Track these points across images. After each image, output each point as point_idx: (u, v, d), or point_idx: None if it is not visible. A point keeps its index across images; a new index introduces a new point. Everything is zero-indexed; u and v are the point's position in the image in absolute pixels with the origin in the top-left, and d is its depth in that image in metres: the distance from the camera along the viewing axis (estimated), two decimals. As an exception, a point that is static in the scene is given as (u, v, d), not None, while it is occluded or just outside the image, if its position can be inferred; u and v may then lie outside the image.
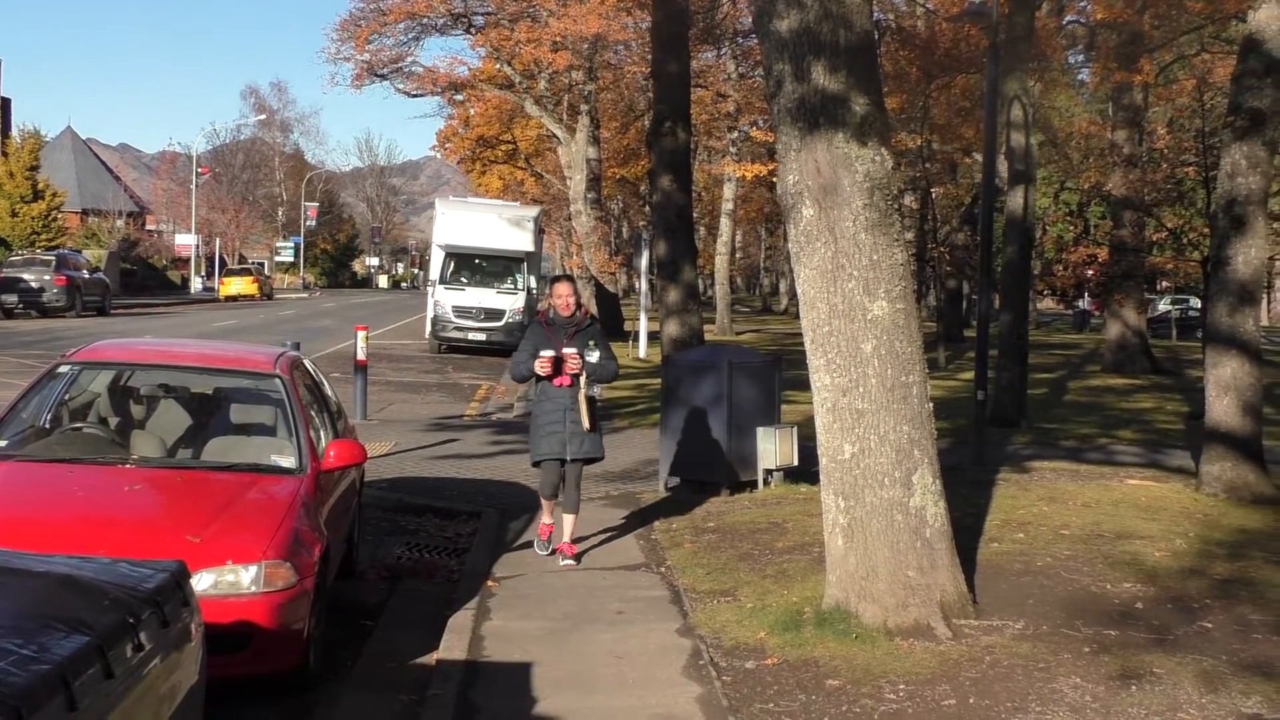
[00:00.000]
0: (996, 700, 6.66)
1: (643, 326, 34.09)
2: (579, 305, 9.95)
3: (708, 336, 24.47)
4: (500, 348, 32.52)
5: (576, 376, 9.66)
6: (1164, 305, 53.88)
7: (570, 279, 10.41)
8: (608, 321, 40.44)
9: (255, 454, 8.21)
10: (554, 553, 10.10)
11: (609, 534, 11.13)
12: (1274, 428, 18.40)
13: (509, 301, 33.16)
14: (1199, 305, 33.07)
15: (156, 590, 4.32)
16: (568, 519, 10.01)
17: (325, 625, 7.59)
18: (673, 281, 20.27)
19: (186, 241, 75.50)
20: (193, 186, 75.00)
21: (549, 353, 9.56)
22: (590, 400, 9.74)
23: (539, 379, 9.73)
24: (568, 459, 9.77)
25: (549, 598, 8.85)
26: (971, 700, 6.66)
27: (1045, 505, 12.01)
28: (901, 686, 6.86)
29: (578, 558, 10.00)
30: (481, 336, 32.60)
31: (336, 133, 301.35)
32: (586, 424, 9.67)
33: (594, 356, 9.77)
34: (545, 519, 10.23)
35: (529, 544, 10.68)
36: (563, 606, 8.64)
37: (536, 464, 10.02)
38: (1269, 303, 68.07)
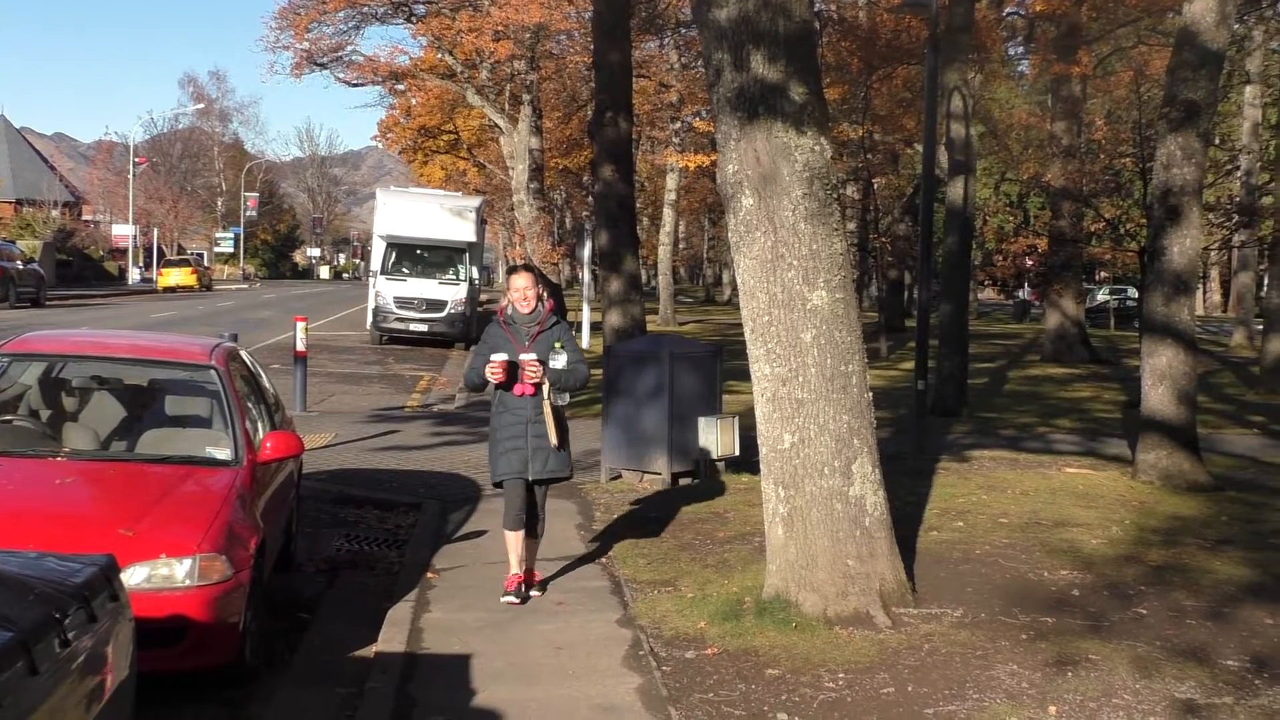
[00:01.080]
0: (935, 688, 6.70)
1: (585, 317, 34.07)
2: (541, 299, 8.58)
3: (650, 327, 24.47)
4: (442, 339, 32.41)
5: (540, 385, 8.34)
6: (1102, 295, 54.41)
7: (530, 269, 8.87)
8: (551, 312, 40.33)
9: (190, 446, 8.11)
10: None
11: (550, 525, 11.07)
12: (1208, 416, 18.65)
13: (451, 292, 33.02)
14: (1136, 295, 33.47)
15: (84, 585, 4.25)
16: (533, 545, 8.77)
17: (262, 618, 7.52)
18: (615, 272, 20.25)
19: (124, 232, 74.49)
20: (130, 176, 74.01)
21: (501, 357, 8.23)
22: (557, 411, 8.39)
23: (497, 387, 8.42)
24: (530, 478, 8.46)
25: (489, 589, 8.79)
26: (910, 688, 6.69)
27: (984, 494, 12.11)
28: (841, 675, 6.88)
29: (542, 585, 8.85)
30: (423, 327, 32.45)
31: (276, 122, 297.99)
32: (553, 439, 8.34)
33: (560, 361, 8.34)
34: (513, 565, 8.57)
35: (470, 535, 10.62)
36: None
37: (498, 484, 8.65)
38: (1204, 293, 68.97)
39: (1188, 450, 13.02)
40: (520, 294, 8.50)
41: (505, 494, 8.55)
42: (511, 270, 8.93)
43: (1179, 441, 12.99)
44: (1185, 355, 13.02)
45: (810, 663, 7.05)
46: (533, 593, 8.61)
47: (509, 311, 8.55)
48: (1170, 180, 13.05)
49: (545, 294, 8.66)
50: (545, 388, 8.33)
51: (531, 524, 8.62)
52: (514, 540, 8.52)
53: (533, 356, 8.25)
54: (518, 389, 8.34)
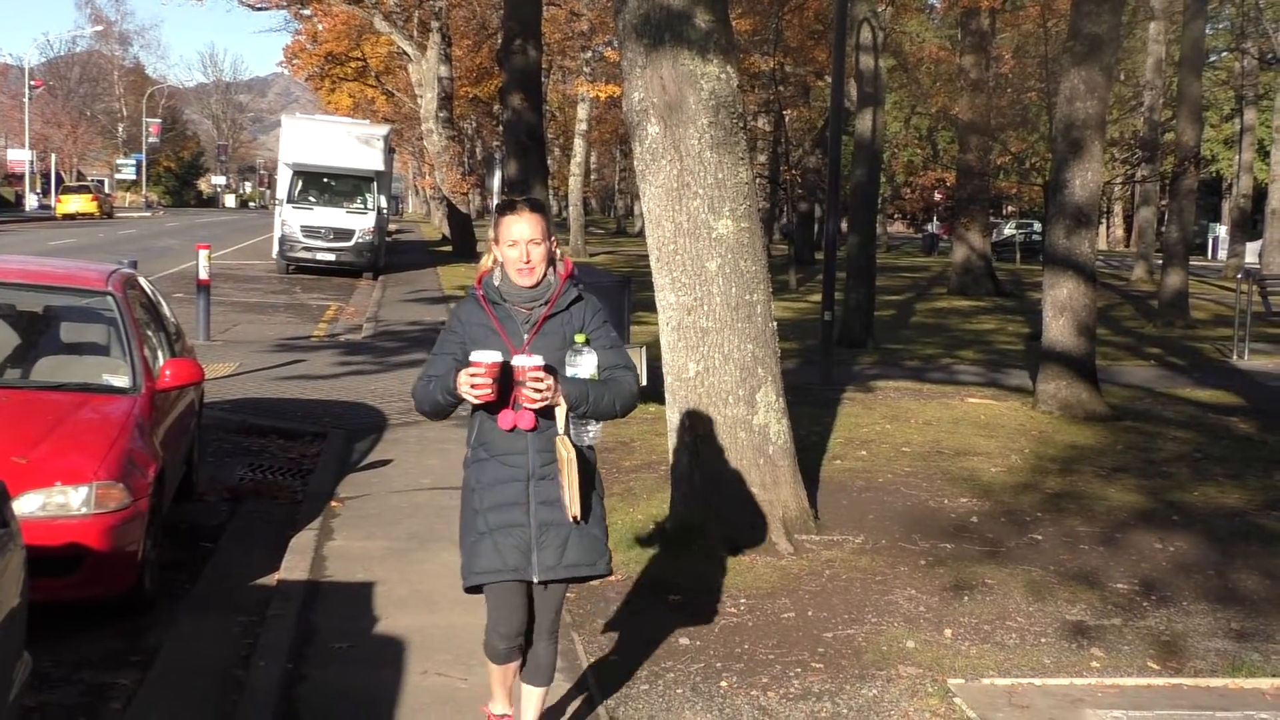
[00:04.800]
0: (834, 612, 6.80)
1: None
2: (554, 262, 4.82)
3: (560, 257, 24.25)
4: (350, 268, 32.04)
5: (550, 410, 4.58)
6: (1009, 229, 55.03)
7: (536, 207, 4.73)
8: (461, 244, 40.03)
9: (87, 373, 7.95)
10: None
11: (450, 455, 11.04)
12: (1107, 348, 19.01)
13: (359, 221, 32.59)
14: (1041, 230, 33.98)
15: (-28, 511, 4.17)
16: (532, 696, 4.96)
17: (162, 548, 7.44)
18: (524, 201, 20.12)
19: (20, 157, 72.87)
20: (25, 100, 72.16)
21: (487, 357, 4.43)
22: (581, 459, 4.61)
23: (474, 410, 4.65)
24: (536, 580, 4.69)
25: (393, 518, 8.77)
26: (810, 613, 6.79)
27: (888, 423, 12.27)
28: (743, 600, 6.96)
29: None
30: (330, 257, 32.05)
31: (179, 46, 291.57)
32: (573, 509, 4.55)
33: (585, 366, 4.64)
34: (497, 704, 5.00)
35: (374, 465, 10.55)
36: (407, 526, 8.57)
37: (472, 589, 4.75)
38: (1107, 228, 70.08)
39: (1086, 381, 13.27)
40: (520, 253, 4.67)
41: (489, 603, 4.78)
42: (504, 208, 4.77)
43: (1078, 372, 13.23)
44: (1086, 288, 13.24)
45: (712, 588, 7.13)
46: None
47: (495, 280, 4.78)
48: (1073, 114, 13.19)
49: (560, 251, 4.90)
50: (560, 417, 4.61)
51: (536, 660, 4.92)
52: (498, 674, 4.92)
53: (537, 361, 4.47)
54: (508, 418, 4.61)
